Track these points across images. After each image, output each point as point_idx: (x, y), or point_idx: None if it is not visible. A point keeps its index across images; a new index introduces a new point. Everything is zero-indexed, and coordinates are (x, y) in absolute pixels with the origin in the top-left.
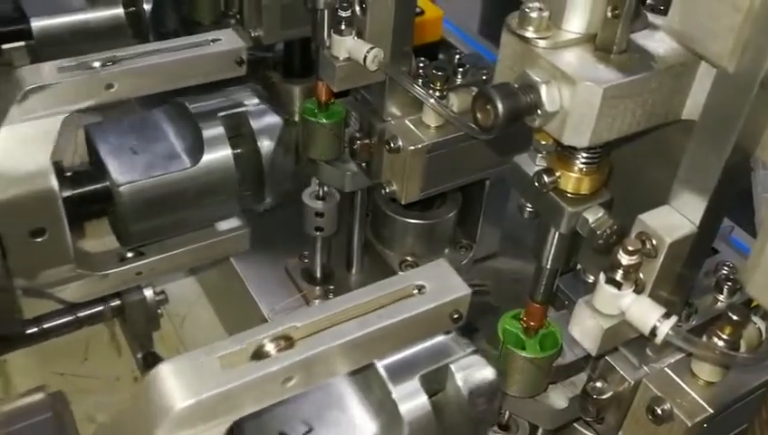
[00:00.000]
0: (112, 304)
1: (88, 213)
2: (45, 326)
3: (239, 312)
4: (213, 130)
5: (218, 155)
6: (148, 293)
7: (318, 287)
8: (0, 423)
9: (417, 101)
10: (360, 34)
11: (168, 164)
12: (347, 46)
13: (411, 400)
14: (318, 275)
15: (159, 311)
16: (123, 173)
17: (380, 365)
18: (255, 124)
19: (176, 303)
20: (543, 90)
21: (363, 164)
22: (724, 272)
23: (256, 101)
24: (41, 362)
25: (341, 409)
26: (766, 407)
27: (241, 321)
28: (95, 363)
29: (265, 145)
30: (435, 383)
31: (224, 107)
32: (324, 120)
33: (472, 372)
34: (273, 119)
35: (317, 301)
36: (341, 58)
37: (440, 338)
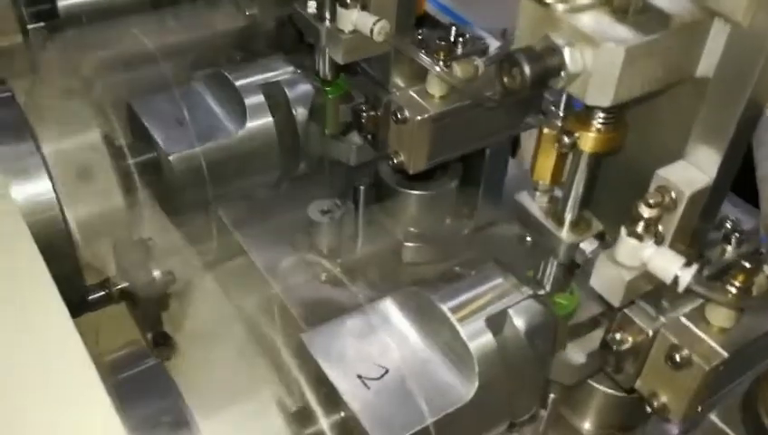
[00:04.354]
0: (121, 286)
1: (133, 185)
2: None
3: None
4: (254, 99)
5: (261, 122)
6: (157, 273)
7: (324, 260)
8: (110, 369)
9: (419, 73)
10: (364, 7)
11: (214, 133)
12: (352, 19)
13: (479, 337)
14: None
15: (168, 291)
16: (172, 143)
17: (446, 307)
18: (290, 92)
19: (180, 279)
20: (567, 52)
21: (369, 136)
22: (729, 225)
23: (291, 69)
24: None
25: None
26: None
27: (246, 295)
28: (107, 346)
29: (300, 112)
30: (495, 326)
31: (261, 76)
32: (329, 95)
33: (529, 314)
34: (305, 86)
35: (324, 274)
36: (347, 31)
37: (498, 281)
